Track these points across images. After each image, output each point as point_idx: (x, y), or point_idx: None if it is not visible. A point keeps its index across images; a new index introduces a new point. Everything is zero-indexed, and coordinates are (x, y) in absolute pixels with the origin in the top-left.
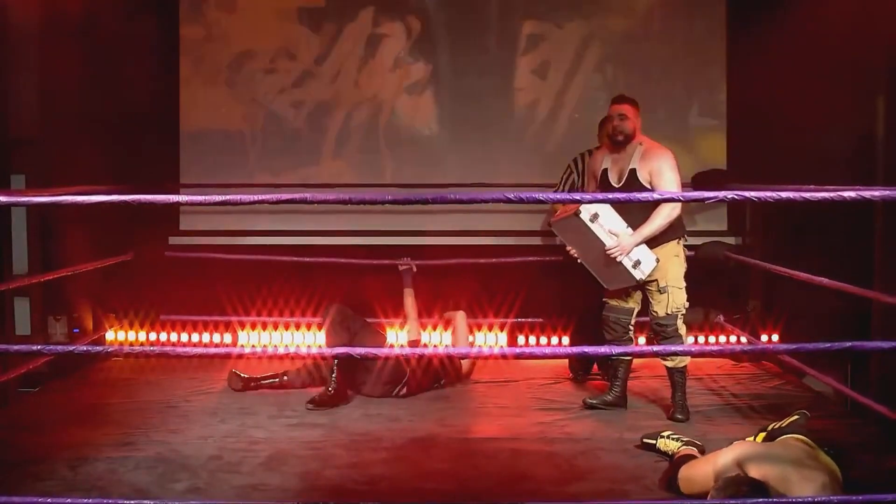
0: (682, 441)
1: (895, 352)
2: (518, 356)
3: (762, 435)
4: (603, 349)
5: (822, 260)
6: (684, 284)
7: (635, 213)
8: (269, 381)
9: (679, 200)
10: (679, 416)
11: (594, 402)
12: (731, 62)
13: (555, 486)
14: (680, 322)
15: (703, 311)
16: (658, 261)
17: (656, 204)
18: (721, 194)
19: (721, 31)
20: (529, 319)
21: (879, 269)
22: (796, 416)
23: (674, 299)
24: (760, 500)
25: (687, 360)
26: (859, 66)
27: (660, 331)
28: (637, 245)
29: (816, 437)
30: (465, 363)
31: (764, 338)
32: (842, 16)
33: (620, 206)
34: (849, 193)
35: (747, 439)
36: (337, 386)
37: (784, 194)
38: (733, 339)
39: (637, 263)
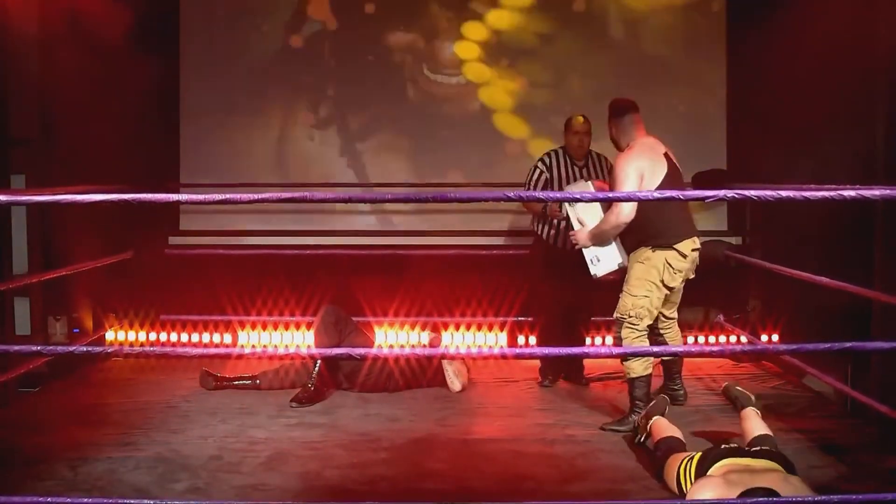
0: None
1: (895, 352)
2: (518, 356)
3: (698, 455)
4: (604, 349)
5: (822, 260)
6: (643, 294)
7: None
8: (241, 382)
9: (681, 199)
10: (606, 427)
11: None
12: (731, 62)
13: (555, 487)
14: (626, 331)
15: (703, 311)
16: (621, 265)
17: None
18: (721, 193)
19: (721, 31)
20: (530, 319)
21: (879, 268)
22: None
23: (622, 302)
24: (761, 499)
25: (637, 370)
26: (859, 66)
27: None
28: (593, 241)
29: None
30: (451, 380)
31: (764, 338)
32: (842, 16)
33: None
34: (849, 193)
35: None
36: (317, 383)
37: (784, 194)
38: (733, 339)
39: (595, 259)
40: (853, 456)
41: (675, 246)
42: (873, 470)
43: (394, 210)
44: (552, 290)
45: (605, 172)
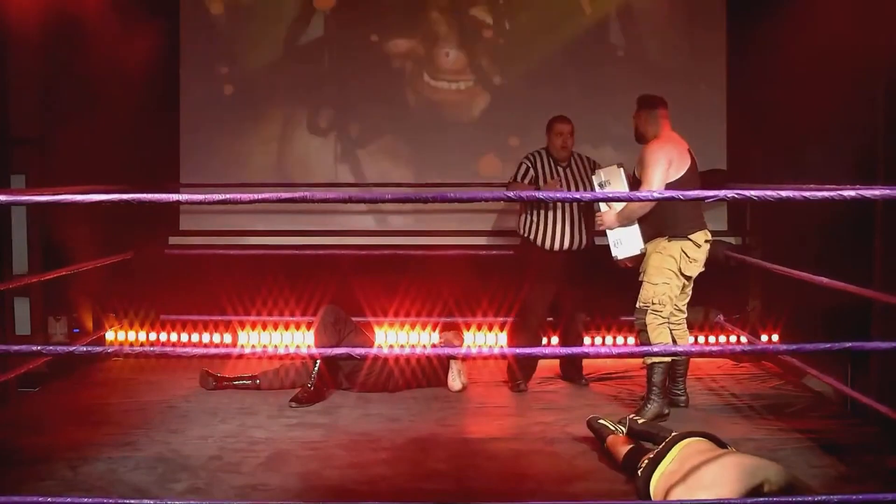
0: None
1: (895, 352)
2: (518, 356)
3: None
4: (604, 349)
5: (822, 260)
6: (662, 281)
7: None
8: (241, 383)
9: (680, 199)
10: (625, 420)
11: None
12: (731, 62)
13: (555, 486)
14: (650, 318)
15: (703, 311)
16: (643, 251)
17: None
18: (721, 194)
19: (721, 30)
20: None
21: (879, 268)
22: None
23: (644, 292)
24: (760, 500)
25: (657, 357)
26: (859, 66)
27: (634, 322)
28: (619, 222)
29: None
30: (454, 378)
31: (764, 338)
32: (842, 16)
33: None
34: (849, 192)
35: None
36: (317, 383)
37: (784, 194)
38: (733, 339)
39: (619, 242)
40: (853, 456)
41: (689, 236)
42: (873, 470)
43: (394, 210)
44: (538, 293)
45: (589, 172)
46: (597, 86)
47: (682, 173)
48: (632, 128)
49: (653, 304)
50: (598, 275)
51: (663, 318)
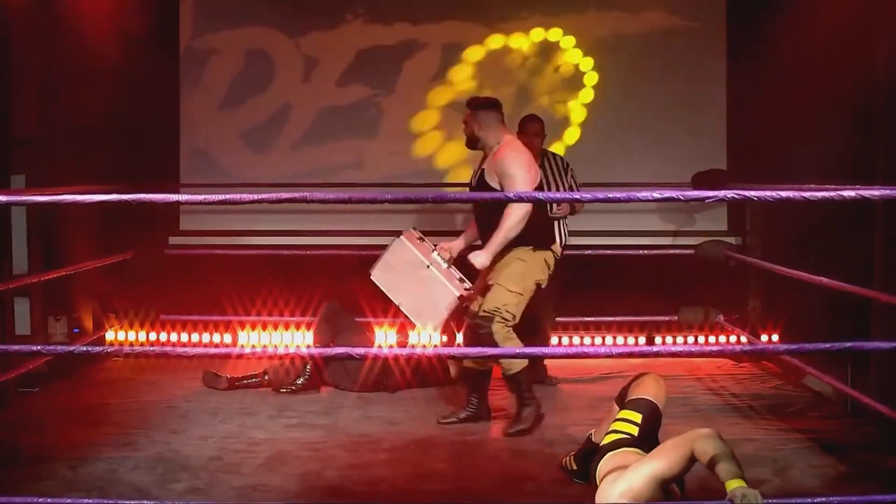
0: None
1: (895, 352)
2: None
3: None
4: (603, 349)
5: (822, 260)
6: (516, 290)
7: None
8: (251, 380)
9: (679, 200)
10: (511, 430)
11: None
12: (731, 62)
13: (555, 487)
14: (497, 327)
15: (703, 311)
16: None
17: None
18: (721, 194)
19: (721, 30)
20: None
21: (879, 268)
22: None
23: (497, 297)
24: (763, 501)
25: (520, 363)
26: (859, 66)
27: (474, 327)
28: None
29: None
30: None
31: (764, 338)
32: (842, 16)
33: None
34: (848, 193)
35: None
36: (310, 378)
37: (784, 194)
38: (733, 339)
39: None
40: (853, 456)
41: (551, 247)
42: (873, 470)
43: (393, 210)
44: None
45: (562, 171)
46: (596, 84)
47: (539, 179)
48: (630, 125)
49: (504, 311)
50: (597, 276)
51: (509, 327)
